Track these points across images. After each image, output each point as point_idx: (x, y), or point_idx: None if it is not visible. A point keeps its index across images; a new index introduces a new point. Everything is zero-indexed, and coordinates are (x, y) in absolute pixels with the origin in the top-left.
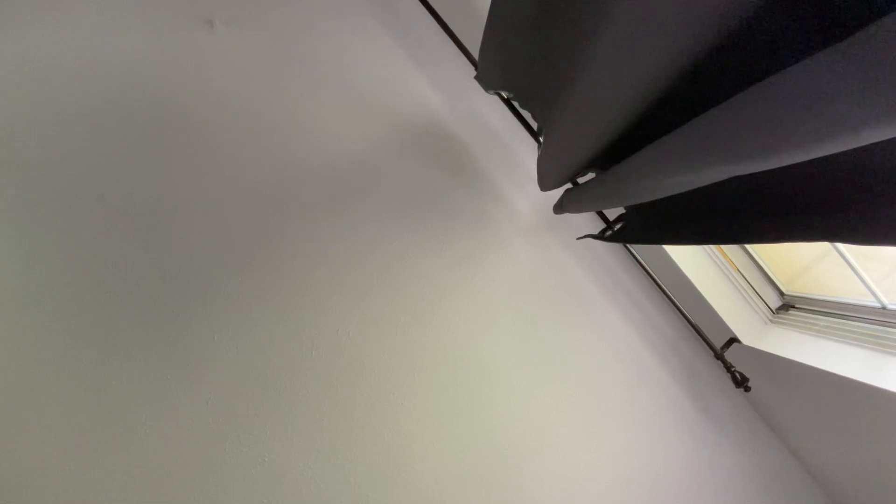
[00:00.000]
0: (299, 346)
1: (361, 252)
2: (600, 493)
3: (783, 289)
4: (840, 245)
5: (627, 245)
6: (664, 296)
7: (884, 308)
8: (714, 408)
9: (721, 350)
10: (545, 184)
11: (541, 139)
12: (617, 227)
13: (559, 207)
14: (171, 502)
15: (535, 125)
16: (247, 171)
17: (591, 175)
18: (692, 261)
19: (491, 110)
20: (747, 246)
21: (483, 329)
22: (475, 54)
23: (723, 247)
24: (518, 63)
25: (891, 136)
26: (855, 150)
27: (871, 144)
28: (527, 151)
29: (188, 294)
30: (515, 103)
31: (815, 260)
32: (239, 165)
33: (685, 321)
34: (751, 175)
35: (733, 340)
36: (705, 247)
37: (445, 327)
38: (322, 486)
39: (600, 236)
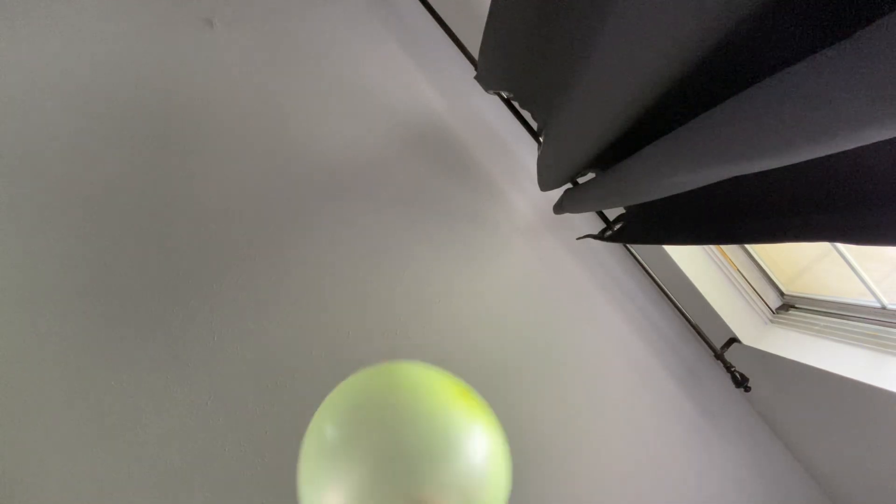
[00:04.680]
0: (299, 345)
1: (361, 252)
2: (599, 492)
3: (783, 289)
4: (840, 245)
5: (627, 245)
6: (664, 296)
7: (884, 308)
8: (714, 408)
9: (721, 350)
10: (545, 184)
11: (541, 139)
12: (617, 227)
13: (559, 207)
14: (170, 502)
15: (535, 125)
16: (246, 172)
17: (591, 175)
18: (692, 261)
19: (491, 110)
20: (747, 246)
21: (482, 329)
22: (475, 54)
23: (723, 247)
24: (518, 63)
25: (891, 136)
26: (855, 150)
27: (871, 144)
28: (527, 151)
29: (188, 293)
30: (515, 103)
31: (815, 260)
32: (238, 166)
33: (685, 321)
34: (751, 175)
35: (733, 340)
36: (705, 247)
37: (444, 327)
38: None
39: (600, 236)
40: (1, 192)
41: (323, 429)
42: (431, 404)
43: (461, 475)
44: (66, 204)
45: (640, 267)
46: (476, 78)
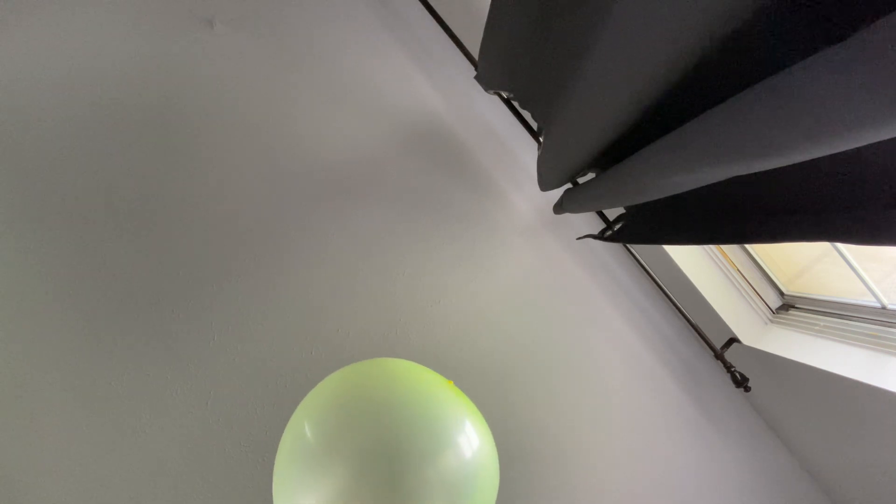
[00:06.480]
0: (299, 345)
1: (361, 252)
2: (598, 492)
3: (783, 289)
4: (840, 245)
5: (627, 245)
6: (664, 296)
7: (884, 308)
8: (714, 408)
9: (721, 350)
10: (545, 184)
11: (541, 139)
12: (617, 227)
13: (559, 207)
14: (170, 502)
15: (535, 125)
16: (246, 172)
17: (591, 175)
18: (692, 261)
19: (491, 110)
20: (747, 246)
21: (482, 329)
22: (475, 54)
23: (723, 247)
24: (518, 63)
25: (890, 136)
26: (854, 149)
27: (871, 144)
28: (527, 151)
29: (188, 294)
30: (515, 103)
31: (815, 260)
32: (238, 166)
33: (685, 321)
34: (751, 175)
35: (733, 340)
36: (705, 247)
37: (444, 327)
38: None
39: (600, 236)
40: (2, 194)
41: (303, 429)
42: (417, 395)
43: (450, 472)
44: (65, 205)
45: (640, 267)
46: (476, 78)
